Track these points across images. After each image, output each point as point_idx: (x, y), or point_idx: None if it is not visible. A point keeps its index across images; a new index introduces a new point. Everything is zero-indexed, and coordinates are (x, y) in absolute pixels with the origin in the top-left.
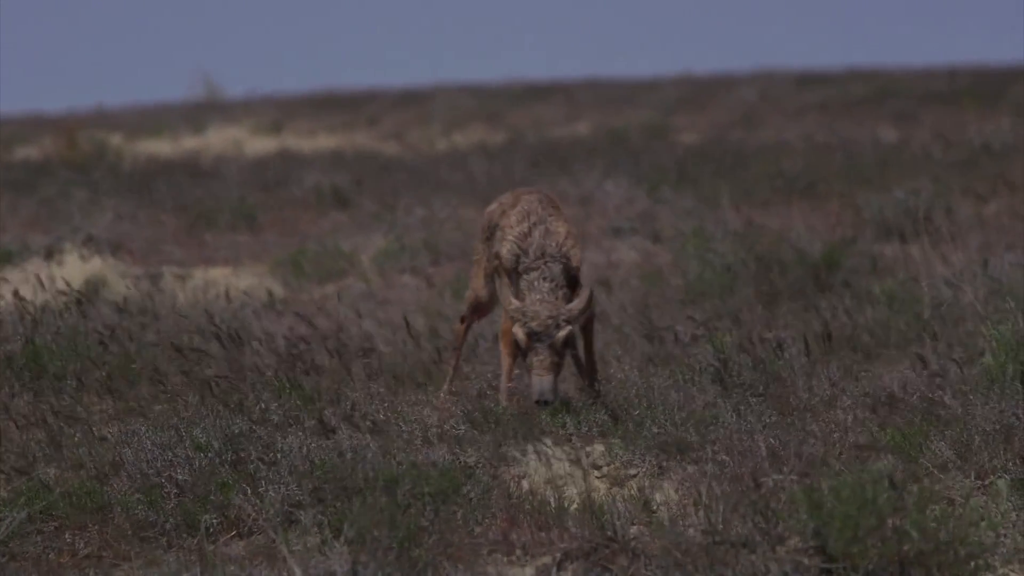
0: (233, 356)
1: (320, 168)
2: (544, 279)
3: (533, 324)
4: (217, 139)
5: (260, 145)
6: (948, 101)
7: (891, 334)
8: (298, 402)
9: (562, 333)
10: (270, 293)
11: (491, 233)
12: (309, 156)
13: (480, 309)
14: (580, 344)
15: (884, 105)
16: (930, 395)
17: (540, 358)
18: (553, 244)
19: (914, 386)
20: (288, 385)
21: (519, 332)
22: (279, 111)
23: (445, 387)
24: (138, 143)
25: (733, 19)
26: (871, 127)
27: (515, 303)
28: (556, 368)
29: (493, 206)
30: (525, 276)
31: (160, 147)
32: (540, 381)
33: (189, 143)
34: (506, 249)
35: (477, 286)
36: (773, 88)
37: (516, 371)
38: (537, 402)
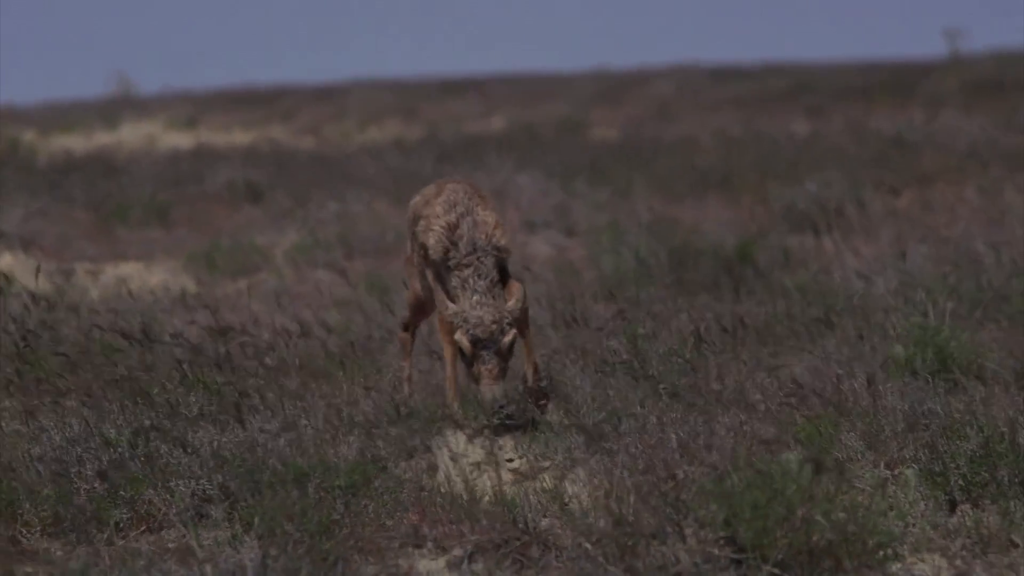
0: (144, 351)
1: (234, 163)
2: (479, 276)
3: (478, 331)
4: (131, 135)
5: (175, 141)
6: (861, 95)
7: (803, 326)
8: (209, 396)
9: (508, 338)
10: (182, 289)
11: (415, 226)
12: (224, 151)
13: (423, 309)
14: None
15: (798, 99)
16: (840, 386)
17: (488, 367)
18: (483, 236)
19: (825, 377)
20: (199, 380)
21: (463, 340)
22: (194, 107)
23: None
24: (52, 139)
25: (648, 14)
26: (785, 121)
27: (452, 307)
28: (504, 374)
29: (417, 198)
30: (458, 273)
31: (74, 143)
32: (491, 390)
33: (103, 139)
34: (433, 239)
35: (415, 286)
36: (688, 82)
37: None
38: (493, 413)
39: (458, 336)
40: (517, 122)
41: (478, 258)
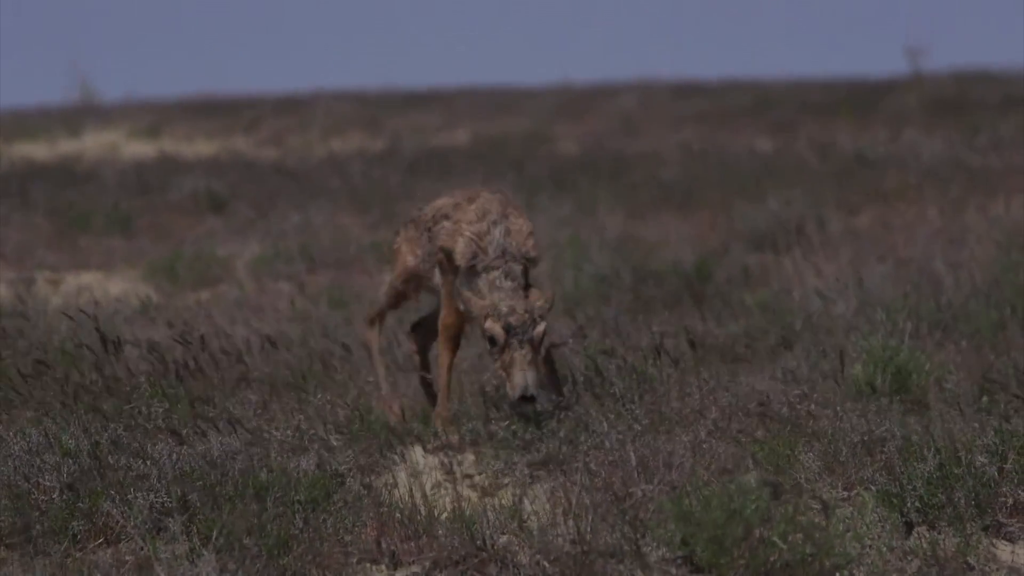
0: (104, 361)
1: (197, 173)
2: (507, 277)
3: (511, 319)
4: (94, 143)
5: (137, 149)
6: (824, 112)
7: (762, 345)
8: (168, 408)
9: (539, 328)
10: (143, 299)
11: (434, 225)
12: (187, 161)
13: (397, 302)
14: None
15: (761, 115)
16: (799, 406)
17: (522, 352)
18: (515, 243)
19: (784, 397)
20: (159, 391)
21: (495, 327)
22: (157, 116)
23: (384, 393)
24: (13, 146)
25: (612, 28)
26: (748, 137)
27: (479, 302)
28: (537, 367)
29: (443, 200)
30: (485, 275)
31: (36, 150)
32: (523, 375)
33: (65, 147)
34: (462, 245)
35: (395, 280)
36: (652, 97)
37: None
38: (522, 398)
39: (489, 324)
40: (481, 135)
41: (506, 262)
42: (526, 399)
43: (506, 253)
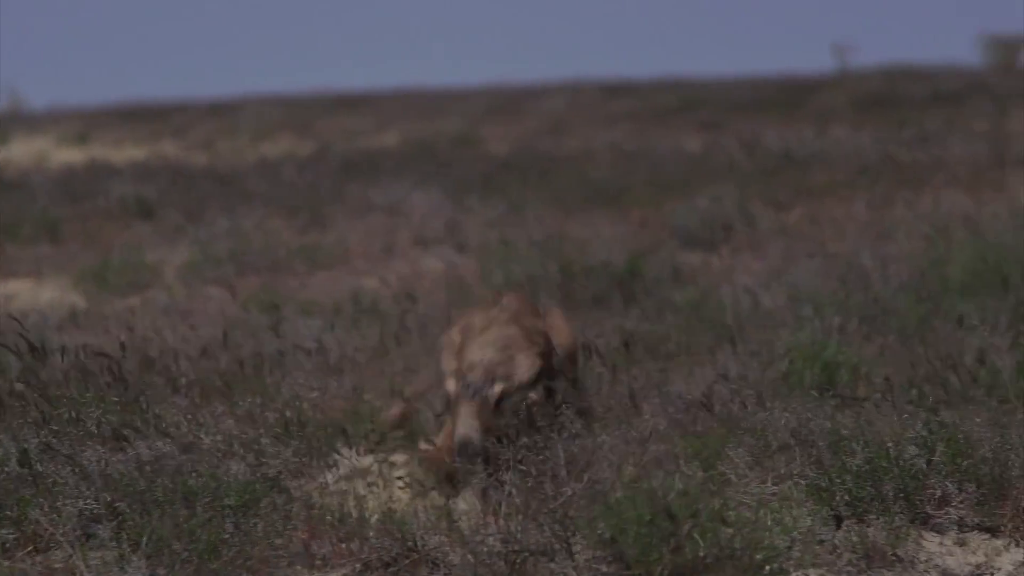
0: (31, 368)
1: (126, 179)
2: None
3: (468, 375)
4: (22, 150)
5: (66, 156)
6: (752, 110)
7: (692, 342)
8: (97, 415)
9: (497, 388)
10: (72, 306)
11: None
12: (116, 167)
13: None
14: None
15: (690, 115)
16: (729, 402)
17: (470, 406)
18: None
19: (713, 393)
20: (87, 398)
21: (451, 383)
22: (85, 122)
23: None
24: None
25: (542, 29)
26: (677, 136)
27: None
28: (483, 420)
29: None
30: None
31: None
32: (465, 427)
33: None
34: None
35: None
36: (581, 98)
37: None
38: (462, 450)
39: (447, 382)
40: (410, 137)
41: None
42: (467, 452)
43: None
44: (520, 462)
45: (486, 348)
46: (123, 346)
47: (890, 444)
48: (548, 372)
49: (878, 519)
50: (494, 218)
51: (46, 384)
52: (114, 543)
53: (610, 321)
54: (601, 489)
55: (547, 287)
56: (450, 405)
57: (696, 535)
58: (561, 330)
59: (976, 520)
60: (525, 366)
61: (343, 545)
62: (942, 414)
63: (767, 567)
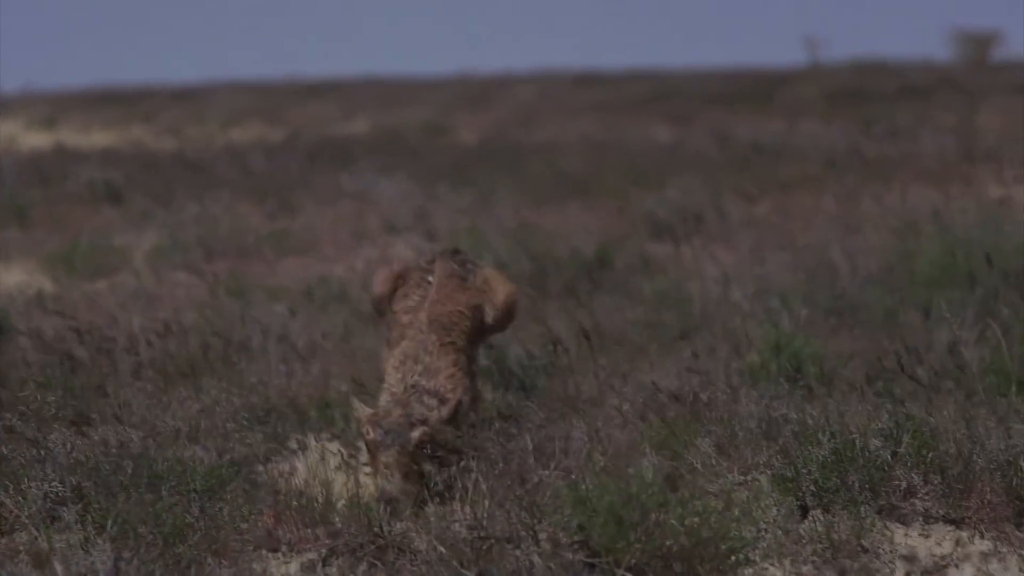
0: None
1: (95, 164)
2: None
3: (383, 422)
4: None
5: (34, 140)
6: (723, 103)
7: (660, 332)
8: (63, 398)
9: (416, 434)
10: (39, 289)
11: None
12: (84, 152)
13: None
14: None
15: (660, 106)
16: (696, 392)
17: (388, 456)
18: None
19: (681, 383)
20: (53, 381)
21: (368, 429)
22: (53, 107)
23: None
24: None
25: (512, 19)
26: (646, 127)
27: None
28: (403, 471)
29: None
30: None
31: None
32: (385, 482)
33: None
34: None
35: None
36: (552, 88)
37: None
38: (383, 501)
39: (366, 429)
40: (379, 125)
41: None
42: (391, 506)
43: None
44: (487, 450)
45: (402, 375)
46: (82, 332)
47: (856, 435)
48: (480, 333)
49: (844, 510)
50: (464, 206)
51: (10, 367)
52: (79, 526)
53: (578, 311)
54: (569, 477)
55: (517, 276)
56: (369, 452)
57: (665, 524)
58: (495, 286)
59: (941, 512)
60: (447, 398)
61: (309, 530)
62: (908, 406)
63: (733, 557)
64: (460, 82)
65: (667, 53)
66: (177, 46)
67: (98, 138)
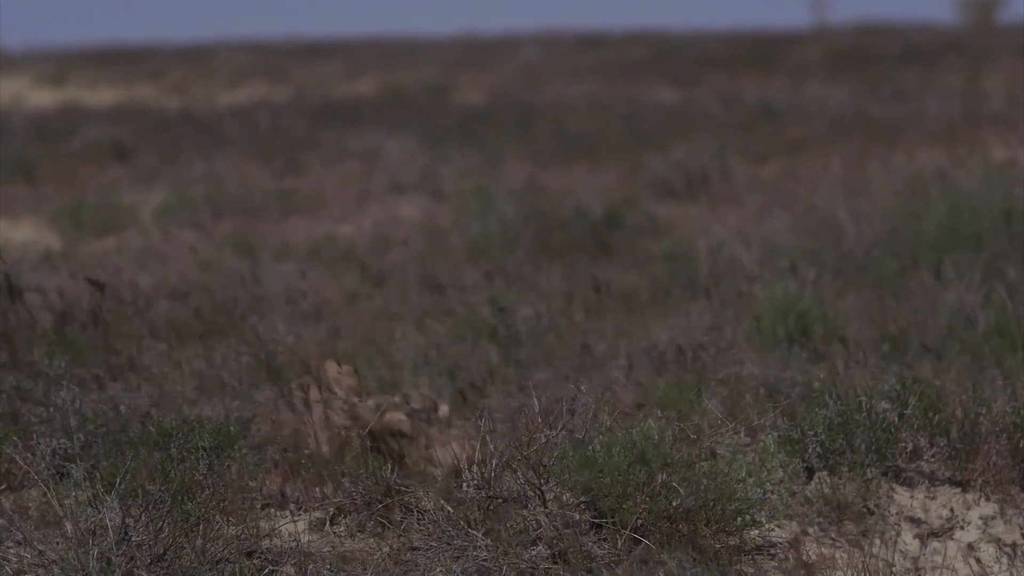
0: (7, 308)
1: (101, 121)
2: None
3: None
4: None
5: (41, 98)
6: (727, 64)
7: (667, 293)
8: (73, 355)
9: None
10: (47, 246)
11: None
12: (91, 109)
13: None
14: None
15: (663, 67)
16: (703, 353)
17: None
18: None
19: (688, 344)
20: (63, 338)
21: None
22: (60, 64)
23: None
24: None
25: None
26: (650, 88)
27: None
28: None
29: None
30: None
31: None
32: None
33: None
34: None
35: None
36: (555, 48)
37: None
38: None
39: None
40: (384, 85)
41: None
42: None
43: None
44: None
45: None
46: (101, 287)
47: (863, 397)
48: None
49: (850, 472)
50: (470, 167)
51: (20, 325)
52: (88, 483)
53: (586, 270)
54: (576, 437)
55: (524, 236)
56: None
57: (672, 485)
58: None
59: (947, 474)
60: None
61: (316, 489)
62: (915, 368)
63: (739, 518)
64: (463, 42)
65: (671, 14)
66: (182, 3)
67: (104, 95)
